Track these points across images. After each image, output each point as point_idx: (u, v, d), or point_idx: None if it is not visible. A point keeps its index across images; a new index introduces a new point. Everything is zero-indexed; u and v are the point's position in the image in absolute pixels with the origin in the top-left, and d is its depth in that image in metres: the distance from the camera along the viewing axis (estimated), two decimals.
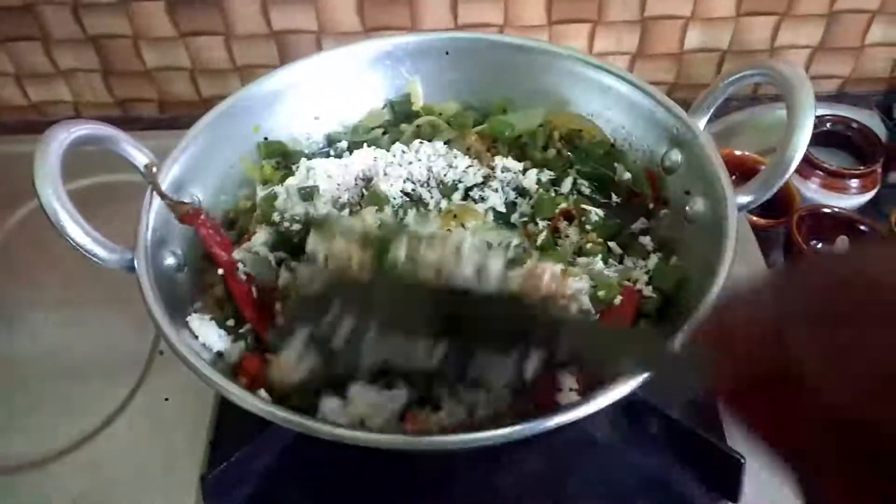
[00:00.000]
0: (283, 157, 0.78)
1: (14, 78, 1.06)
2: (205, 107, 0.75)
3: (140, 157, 0.67)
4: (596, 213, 0.70)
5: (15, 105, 1.09)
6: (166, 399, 0.73)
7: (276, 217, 0.69)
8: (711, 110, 0.69)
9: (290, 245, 0.67)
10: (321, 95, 0.81)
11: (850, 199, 0.88)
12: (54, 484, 0.68)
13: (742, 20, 0.99)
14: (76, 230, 0.58)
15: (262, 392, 0.58)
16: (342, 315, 0.49)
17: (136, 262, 0.60)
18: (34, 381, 0.76)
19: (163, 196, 0.64)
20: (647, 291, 0.64)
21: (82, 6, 0.97)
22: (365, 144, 0.78)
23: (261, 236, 0.67)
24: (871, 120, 0.96)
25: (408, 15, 0.97)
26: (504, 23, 0.99)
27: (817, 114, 0.62)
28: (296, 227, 0.68)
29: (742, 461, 0.59)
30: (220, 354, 0.62)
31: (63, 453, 0.70)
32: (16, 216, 0.91)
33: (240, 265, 0.66)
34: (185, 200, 0.67)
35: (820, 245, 0.85)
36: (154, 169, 0.66)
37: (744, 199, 0.63)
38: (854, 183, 0.87)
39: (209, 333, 0.62)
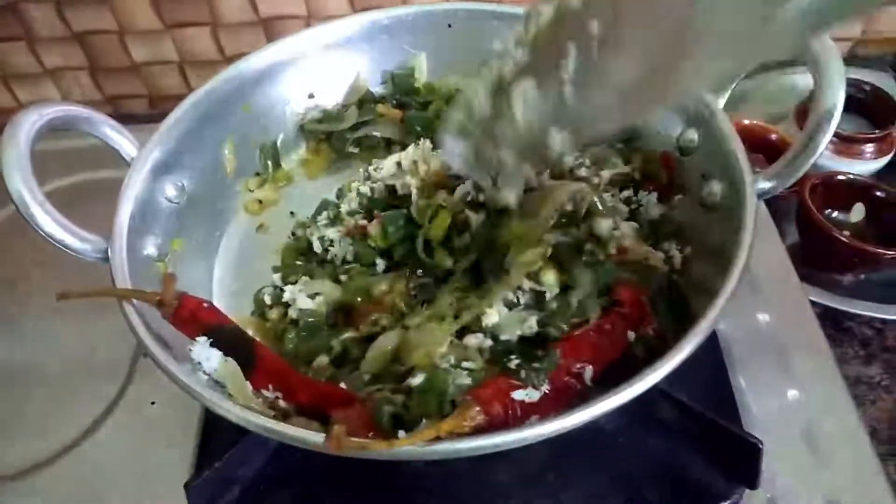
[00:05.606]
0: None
1: (0, 80, 1.03)
2: None
3: (123, 141, 0.64)
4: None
5: (3, 108, 1.06)
6: (153, 403, 0.70)
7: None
8: (733, 85, 0.65)
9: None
10: (315, 72, 0.78)
11: (866, 165, 0.84)
12: (37, 494, 0.65)
13: None
14: (45, 219, 0.55)
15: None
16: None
17: (109, 252, 0.57)
18: (17, 389, 0.73)
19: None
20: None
21: (66, 2, 0.95)
22: None
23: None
24: (885, 82, 0.92)
25: None
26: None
27: None
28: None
29: (760, 446, 0.55)
30: None
31: (46, 463, 0.67)
32: None
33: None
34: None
35: (835, 214, 0.81)
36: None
37: (764, 184, 0.59)
38: (869, 148, 0.83)
39: None
